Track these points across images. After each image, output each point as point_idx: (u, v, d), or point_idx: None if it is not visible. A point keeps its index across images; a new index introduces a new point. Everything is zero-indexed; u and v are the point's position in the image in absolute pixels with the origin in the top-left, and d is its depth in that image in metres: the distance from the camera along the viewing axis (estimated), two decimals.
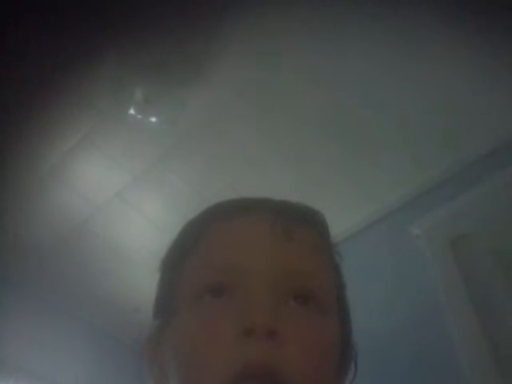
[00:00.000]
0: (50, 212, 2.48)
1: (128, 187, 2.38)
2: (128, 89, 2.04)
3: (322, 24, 1.89)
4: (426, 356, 1.93)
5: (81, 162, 2.31)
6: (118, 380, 2.91)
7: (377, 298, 2.18)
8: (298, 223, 0.58)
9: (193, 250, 0.59)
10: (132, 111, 2.07)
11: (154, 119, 2.09)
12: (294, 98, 2.10)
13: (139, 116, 2.08)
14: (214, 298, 0.54)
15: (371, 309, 2.12)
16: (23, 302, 2.74)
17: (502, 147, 2.11)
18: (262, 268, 0.54)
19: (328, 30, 1.91)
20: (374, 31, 1.88)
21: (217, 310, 0.53)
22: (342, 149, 2.23)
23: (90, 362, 2.91)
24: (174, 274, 0.60)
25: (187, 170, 2.34)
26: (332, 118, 2.14)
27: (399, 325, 2.04)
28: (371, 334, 1.98)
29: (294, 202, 0.63)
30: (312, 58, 1.98)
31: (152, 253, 2.36)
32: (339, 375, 0.57)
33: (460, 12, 1.78)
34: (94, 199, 2.43)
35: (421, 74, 2.00)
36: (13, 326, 2.64)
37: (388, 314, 2.11)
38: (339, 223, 2.35)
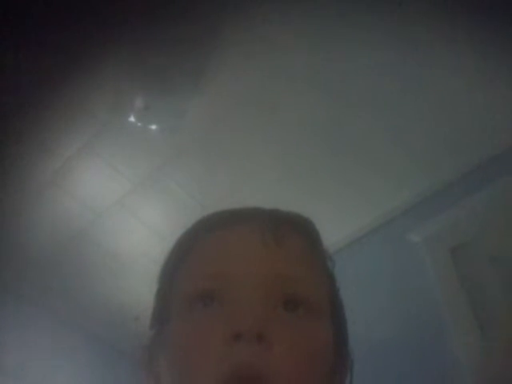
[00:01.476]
0: (50, 220, 2.48)
1: (128, 195, 2.38)
2: (128, 96, 2.04)
3: (321, 34, 1.89)
4: (426, 364, 1.93)
5: (81, 170, 2.31)
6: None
7: (376, 305, 2.18)
8: (288, 230, 0.59)
9: (184, 260, 0.60)
10: (132, 119, 2.08)
11: (154, 127, 2.09)
12: (293, 107, 2.10)
13: (139, 124, 2.08)
14: (205, 306, 0.54)
15: (370, 316, 2.12)
16: (23, 310, 2.73)
17: (502, 155, 2.11)
18: (252, 274, 0.54)
19: (328, 41, 1.91)
20: (374, 34, 1.87)
21: (207, 316, 0.54)
22: (342, 157, 2.23)
23: (89, 370, 2.91)
24: (167, 285, 0.61)
25: (187, 177, 2.34)
26: (332, 127, 2.15)
27: (398, 332, 2.04)
28: (370, 342, 1.97)
29: (284, 210, 0.63)
30: (311, 68, 1.99)
31: (152, 260, 2.36)
32: (334, 381, 0.57)
33: (460, 14, 1.78)
34: (94, 207, 2.43)
35: (421, 81, 2.00)
36: (12, 334, 2.64)
37: (387, 321, 2.11)
38: (339, 231, 2.37)
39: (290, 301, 0.54)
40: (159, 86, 2.03)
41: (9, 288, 2.66)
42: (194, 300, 0.55)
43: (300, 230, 0.61)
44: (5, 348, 2.57)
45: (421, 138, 2.16)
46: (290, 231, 0.59)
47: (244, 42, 1.95)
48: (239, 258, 0.56)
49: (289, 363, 0.50)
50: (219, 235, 0.59)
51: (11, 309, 2.68)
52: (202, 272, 0.57)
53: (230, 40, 1.93)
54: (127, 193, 2.38)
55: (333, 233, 2.39)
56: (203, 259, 0.58)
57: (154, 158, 2.28)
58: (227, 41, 1.93)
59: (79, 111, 2.12)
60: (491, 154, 2.14)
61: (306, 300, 0.55)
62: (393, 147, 2.19)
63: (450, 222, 2.12)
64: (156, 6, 1.84)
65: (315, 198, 2.32)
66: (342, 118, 2.12)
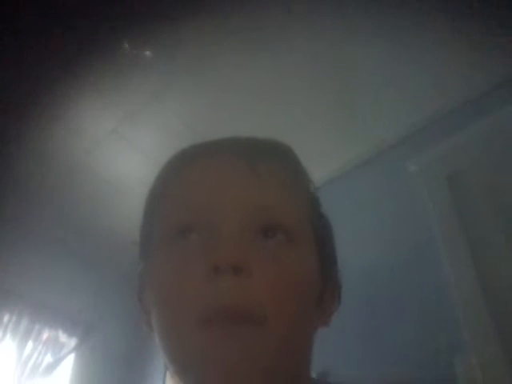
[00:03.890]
0: (48, 150, 2.47)
1: (123, 123, 2.36)
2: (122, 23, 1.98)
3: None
4: (422, 294, 1.94)
5: (75, 100, 2.27)
6: (116, 308, 3.00)
7: (373, 234, 2.19)
8: (264, 158, 0.57)
9: (162, 195, 0.60)
10: (126, 44, 2.02)
11: (148, 53, 2.04)
12: (290, 37, 2.05)
13: (133, 50, 2.03)
14: (183, 238, 0.53)
15: (367, 246, 2.14)
16: (26, 238, 2.78)
17: (501, 85, 2.08)
18: (229, 205, 0.53)
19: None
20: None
21: (186, 249, 0.53)
22: (339, 87, 2.20)
23: (89, 293, 3.00)
24: (148, 219, 0.61)
25: (182, 105, 2.31)
26: (328, 57, 2.10)
27: (395, 262, 2.04)
28: (367, 272, 2.00)
29: (261, 138, 0.61)
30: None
31: (147, 187, 2.36)
32: (320, 306, 0.57)
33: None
34: (90, 135, 2.42)
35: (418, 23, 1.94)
36: (16, 260, 2.71)
37: (384, 251, 2.12)
38: (336, 160, 2.37)
39: (268, 228, 0.53)
40: (155, 11, 1.96)
41: (11, 217, 2.69)
42: (173, 233, 0.54)
43: (276, 156, 0.59)
44: (8, 273, 2.65)
45: (418, 67, 2.12)
46: (266, 158, 0.58)
47: None
48: (215, 189, 0.55)
49: (270, 290, 0.49)
50: (195, 168, 0.58)
51: (14, 237, 2.74)
52: (179, 205, 0.56)
53: None
54: (122, 121, 2.35)
55: (329, 162, 2.39)
56: (180, 192, 0.57)
57: (149, 86, 2.23)
58: None
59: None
60: (490, 83, 2.11)
61: (285, 225, 0.54)
62: (390, 76, 2.15)
63: (447, 150, 2.11)
64: None
65: (311, 129, 2.30)
66: (340, 48, 2.07)
